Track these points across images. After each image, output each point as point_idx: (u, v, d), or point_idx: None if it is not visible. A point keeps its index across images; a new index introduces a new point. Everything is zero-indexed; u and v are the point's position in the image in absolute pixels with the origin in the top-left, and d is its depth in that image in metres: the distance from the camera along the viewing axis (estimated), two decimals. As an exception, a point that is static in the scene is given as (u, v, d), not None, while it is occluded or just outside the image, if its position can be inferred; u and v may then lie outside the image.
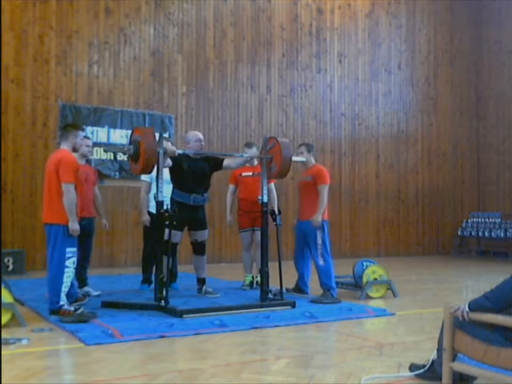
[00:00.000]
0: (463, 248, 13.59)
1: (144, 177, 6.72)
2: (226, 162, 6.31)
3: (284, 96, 11.80)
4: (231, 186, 7.26)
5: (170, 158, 5.94)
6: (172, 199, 6.10)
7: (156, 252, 5.74)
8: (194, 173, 6.14)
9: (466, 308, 2.94)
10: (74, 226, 5.08)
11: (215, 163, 6.31)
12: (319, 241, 6.33)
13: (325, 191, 6.39)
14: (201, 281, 6.48)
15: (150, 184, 6.72)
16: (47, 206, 5.17)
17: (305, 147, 6.71)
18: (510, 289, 2.88)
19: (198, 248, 6.39)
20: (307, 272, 6.63)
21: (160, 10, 10.61)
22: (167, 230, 5.61)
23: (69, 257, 5.06)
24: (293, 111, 11.89)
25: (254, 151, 6.90)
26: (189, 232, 6.38)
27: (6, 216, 9.05)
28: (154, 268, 5.96)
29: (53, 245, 5.08)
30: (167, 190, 6.26)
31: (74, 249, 5.13)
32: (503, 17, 13.88)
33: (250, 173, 6.95)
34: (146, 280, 6.97)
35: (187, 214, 6.08)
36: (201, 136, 6.32)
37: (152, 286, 6.57)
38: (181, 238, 6.31)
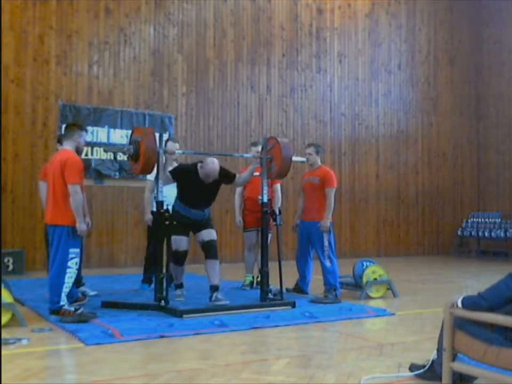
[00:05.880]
0: (463, 248, 13.59)
1: (150, 176, 6.67)
2: (236, 179, 6.04)
3: (283, 96, 11.79)
4: (239, 188, 7.24)
5: (180, 173, 5.81)
6: (173, 208, 5.92)
7: (157, 250, 5.74)
8: (200, 190, 5.81)
9: (459, 304, 2.95)
10: (82, 226, 5.08)
11: (227, 177, 5.99)
12: (326, 243, 6.33)
13: (332, 194, 6.39)
14: (213, 288, 5.82)
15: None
16: (51, 207, 5.15)
17: (313, 148, 6.67)
18: (505, 287, 2.89)
19: (208, 250, 5.86)
20: (309, 273, 6.62)
21: (160, 10, 10.61)
22: (173, 239, 5.63)
23: (71, 258, 5.05)
24: (293, 111, 11.89)
25: (259, 149, 6.86)
26: (195, 236, 6.00)
27: (6, 216, 9.05)
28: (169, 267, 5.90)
29: (57, 246, 5.07)
30: (172, 192, 6.24)
31: (77, 250, 5.13)
32: (503, 17, 13.88)
33: (257, 173, 6.93)
34: (147, 280, 6.95)
35: (189, 221, 5.86)
36: (214, 174, 5.75)
37: (153, 285, 6.57)
38: (188, 244, 5.94)
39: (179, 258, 5.81)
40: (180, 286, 6.13)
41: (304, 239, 6.55)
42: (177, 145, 6.68)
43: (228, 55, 11.21)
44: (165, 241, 5.77)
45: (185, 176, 5.80)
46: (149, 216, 6.65)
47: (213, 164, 5.71)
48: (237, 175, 6.12)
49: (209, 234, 5.91)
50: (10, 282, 5.93)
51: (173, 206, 5.95)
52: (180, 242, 5.76)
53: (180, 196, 5.92)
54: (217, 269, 5.85)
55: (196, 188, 5.78)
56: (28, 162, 9.40)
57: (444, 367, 3.03)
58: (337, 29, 12.51)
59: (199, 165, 5.80)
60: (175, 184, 6.06)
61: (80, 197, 5.08)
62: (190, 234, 6.00)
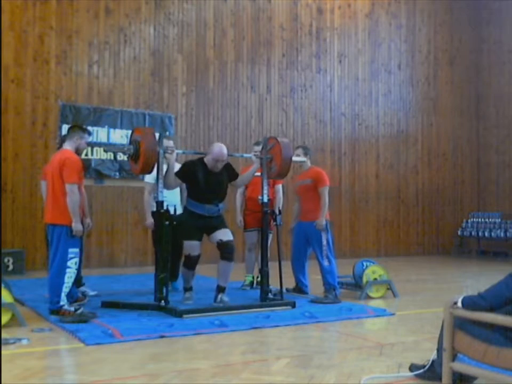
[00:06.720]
0: (463, 248, 13.59)
1: (148, 178, 6.64)
2: (237, 180, 6.03)
3: (284, 96, 11.80)
4: (240, 187, 7.25)
5: (187, 168, 5.73)
6: (185, 208, 5.89)
7: (159, 251, 5.74)
8: (209, 183, 5.70)
9: (459, 304, 2.95)
10: (77, 227, 5.07)
11: (232, 175, 5.96)
12: (324, 242, 6.36)
13: (325, 192, 6.43)
14: (220, 289, 5.79)
15: (154, 185, 6.65)
16: (51, 206, 5.15)
17: (302, 149, 6.73)
18: (505, 287, 2.89)
19: (225, 250, 5.70)
20: (304, 278, 6.64)
21: (160, 10, 10.61)
22: (185, 244, 5.65)
23: (71, 258, 5.05)
24: (293, 111, 11.89)
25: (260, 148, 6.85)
26: (210, 237, 5.84)
27: (6, 216, 9.05)
28: (170, 266, 5.85)
29: (56, 245, 5.07)
30: (173, 194, 6.22)
31: (77, 249, 5.13)
32: (503, 17, 13.88)
33: (259, 173, 6.92)
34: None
35: (202, 223, 5.74)
36: (222, 157, 5.68)
37: (175, 284, 6.59)
38: (200, 249, 5.77)
39: (191, 263, 5.77)
40: (189, 289, 6.03)
41: (301, 241, 6.57)
42: (171, 142, 6.61)
43: (228, 55, 11.22)
44: (164, 242, 5.76)
45: (192, 170, 5.71)
46: (150, 221, 6.58)
47: (220, 148, 5.67)
48: (239, 177, 6.08)
49: (226, 234, 5.78)
50: (10, 282, 5.92)
51: (184, 207, 5.91)
52: (192, 247, 5.68)
53: (191, 194, 5.80)
54: (229, 271, 5.77)
55: (205, 181, 5.69)
56: (28, 162, 9.40)
57: (444, 367, 3.02)
58: (337, 29, 12.51)
59: (205, 158, 5.77)
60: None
61: (77, 196, 5.08)
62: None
